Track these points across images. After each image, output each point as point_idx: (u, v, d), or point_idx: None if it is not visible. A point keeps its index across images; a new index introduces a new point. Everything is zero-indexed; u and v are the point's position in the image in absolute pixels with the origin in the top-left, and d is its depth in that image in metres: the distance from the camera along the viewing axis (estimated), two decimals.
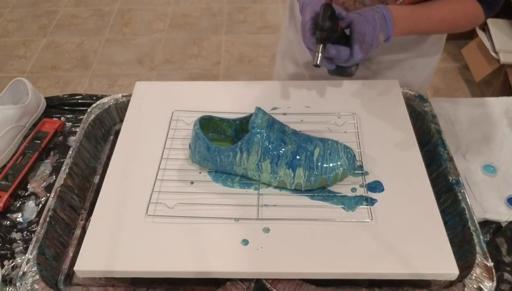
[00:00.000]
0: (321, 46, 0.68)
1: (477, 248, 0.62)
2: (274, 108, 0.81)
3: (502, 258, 0.68)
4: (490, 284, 0.59)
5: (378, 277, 0.60)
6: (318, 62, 0.68)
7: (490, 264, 0.61)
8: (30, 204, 0.77)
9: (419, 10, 0.75)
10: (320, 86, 0.84)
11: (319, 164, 0.66)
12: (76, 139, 0.79)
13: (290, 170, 0.65)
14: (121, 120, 0.87)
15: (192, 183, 0.70)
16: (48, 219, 0.67)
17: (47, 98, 0.95)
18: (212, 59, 2.32)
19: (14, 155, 0.84)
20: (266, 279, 0.61)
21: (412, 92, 0.86)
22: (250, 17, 2.59)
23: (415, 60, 0.92)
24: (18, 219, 0.75)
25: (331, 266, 0.59)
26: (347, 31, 0.72)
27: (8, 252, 0.70)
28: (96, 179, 0.80)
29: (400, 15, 0.73)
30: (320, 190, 0.68)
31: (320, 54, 0.68)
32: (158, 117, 0.80)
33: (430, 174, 0.73)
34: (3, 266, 0.68)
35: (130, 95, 0.86)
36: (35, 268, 0.62)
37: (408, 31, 0.76)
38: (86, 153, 0.80)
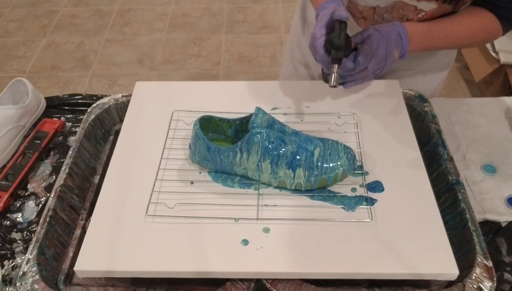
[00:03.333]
0: (336, 67, 0.67)
1: (477, 248, 0.62)
2: (274, 108, 0.81)
3: (502, 258, 0.68)
4: (490, 284, 0.59)
5: (378, 277, 0.60)
6: (335, 84, 0.67)
7: (490, 264, 0.61)
8: (30, 204, 0.77)
9: (436, 27, 0.75)
10: (320, 86, 0.84)
11: (319, 164, 0.66)
12: (76, 139, 0.79)
13: (290, 170, 0.65)
14: (121, 120, 0.87)
15: (192, 183, 0.70)
16: (48, 219, 0.67)
17: (47, 98, 0.95)
18: (212, 59, 2.32)
19: (14, 155, 0.84)
20: (266, 279, 0.61)
21: (412, 92, 0.86)
22: (250, 17, 2.59)
23: (427, 69, 0.92)
24: (18, 219, 0.75)
25: (331, 266, 0.59)
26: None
27: (8, 252, 0.70)
28: (96, 179, 0.80)
29: (417, 32, 0.74)
30: (320, 190, 0.68)
31: (337, 75, 0.67)
32: (158, 117, 0.80)
33: (430, 174, 0.73)
34: (3, 266, 0.68)
35: (130, 95, 0.86)
36: (35, 268, 0.62)
37: (424, 48, 0.77)
38: (86, 153, 0.80)
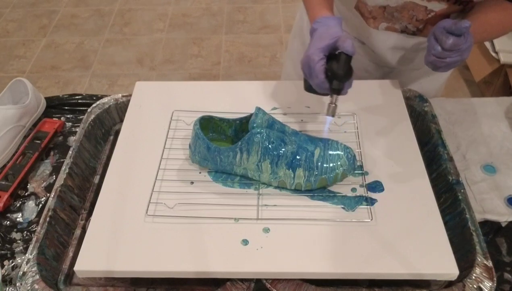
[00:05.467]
0: (336, 97, 0.66)
1: (477, 248, 0.62)
2: (274, 108, 0.81)
3: (502, 258, 0.68)
4: (490, 284, 0.59)
5: (378, 277, 0.60)
6: (333, 114, 0.66)
7: (490, 264, 0.61)
8: (30, 204, 0.77)
9: (477, 25, 0.73)
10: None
11: (319, 164, 0.65)
12: (76, 139, 0.79)
13: (290, 170, 0.65)
14: (121, 120, 0.87)
15: (192, 183, 0.70)
16: (48, 219, 0.67)
17: (47, 98, 0.95)
18: (212, 59, 2.32)
19: (14, 155, 0.84)
20: (266, 279, 0.61)
21: (412, 92, 0.86)
22: (250, 17, 2.59)
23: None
24: (18, 219, 0.75)
25: (331, 266, 0.59)
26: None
27: (8, 252, 0.70)
28: (96, 179, 0.80)
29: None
30: (320, 190, 0.68)
31: (336, 106, 0.66)
32: (158, 117, 0.80)
33: (430, 174, 0.73)
34: (3, 266, 0.68)
35: (130, 95, 0.86)
36: (35, 268, 0.62)
37: None
38: (86, 153, 0.80)
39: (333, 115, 0.67)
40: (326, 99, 0.77)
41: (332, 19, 0.69)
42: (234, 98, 0.83)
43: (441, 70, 0.71)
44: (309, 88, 0.70)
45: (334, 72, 0.64)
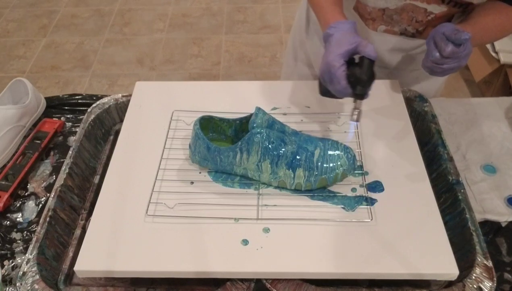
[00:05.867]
0: (359, 102, 0.66)
1: (477, 248, 0.62)
2: (274, 108, 0.81)
3: (502, 258, 0.68)
4: (490, 284, 0.59)
5: (378, 277, 0.60)
6: (359, 119, 0.66)
7: (490, 264, 0.61)
8: (30, 204, 0.77)
9: (478, 29, 0.73)
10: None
11: (319, 164, 0.65)
12: (76, 139, 0.79)
13: (290, 170, 0.65)
14: (121, 120, 0.87)
15: (192, 183, 0.70)
16: (48, 219, 0.67)
17: (47, 98, 0.95)
18: (212, 59, 2.32)
19: (14, 155, 0.84)
20: (266, 279, 0.61)
21: (412, 92, 0.86)
22: (250, 17, 2.59)
23: None
24: (18, 219, 0.75)
25: (331, 266, 0.59)
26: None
27: (8, 252, 0.70)
28: (96, 179, 0.80)
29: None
30: (320, 190, 0.68)
31: (360, 111, 0.66)
32: (158, 117, 0.80)
33: (430, 174, 0.73)
34: (3, 266, 0.68)
35: (130, 95, 0.86)
36: (35, 268, 0.62)
37: None
38: (86, 153, 0.80)
39: (358, 121, 0.66)
40: (329, 101, 0.77)
41: (346, 23, 0.68)
42: (234, 98, 0.83)
43: (438, 75, 0.72)
44: (325, 92, 0.69)
45: (358, 78, 0.64)
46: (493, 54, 1.81)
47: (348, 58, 0.65)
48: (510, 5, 0.73)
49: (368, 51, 0.63)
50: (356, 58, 0.66)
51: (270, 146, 0.65)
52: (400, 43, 0.85)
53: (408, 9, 0.78)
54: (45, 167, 0.83)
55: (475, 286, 0.59)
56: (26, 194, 0.79)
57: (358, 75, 0.64)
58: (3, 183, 0.77)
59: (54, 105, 0.95)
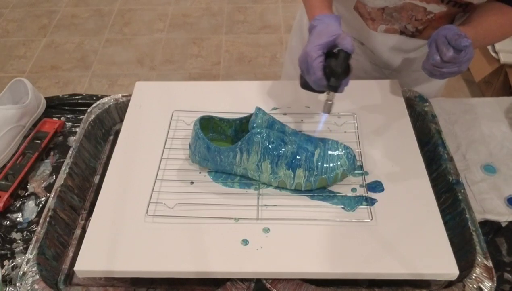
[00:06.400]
0: (333, 94, 0.66)
1: (477, 248, 0.62)
2: (274, 108, 0.81)
3: (502, 258, 0.68)
4: (490, 284, 0.59)
5: (378, 277, 0.60)
6: (329, 111, 0.66)
7: (490, 264, 0.61)
8: (30, 204, 0.77)
9: (480, 31, 0.73)
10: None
11: (319, 164, 0.65)
12: (76, 139, 0.79)
13: (290, 170, 0.65)
14: (121, 120, 0.87)
15: (192, 183, 0.70)
16: (48, 219, 0.67)
17: (47, 98, 0.95)
18: (212, 59, 2.32)
19: (14, 155, 0.84)
20: (266, 279, 0.61)
21: (412, 92, 0.86)
22: (250, 17, 2.59)
23: None
24: (18, 219, 0.75)
25: (331, 266, 0.59)
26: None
27: (8, 252, 0.70)
28: (96, 179, 0.80)
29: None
30: (320, 190, 0.68)
31: (333, 103, 0.66)
32: (158, 117, 0.80)
33: (430, 174, 0.73)
34: (3, 266, 0.68)
35: (130, 95, 0.86)
36: (35, 268, 0.62)
37: None
38: (86, 153, 0.80)
39: (329, 113, 0.67)
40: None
41: (331, 17, 0.69)
42: (234, 98, 0.83)
43: (437, 78, 0.72)
44: (304, 84, 0.70)
45: (332, 70, 0.64)
46: (493, 54, 1.81)
47: (327, 50, 0.65)
48: (511, 6, 0.73)
49: (346, 43, 0.63)
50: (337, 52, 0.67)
51: (270, 146, 0.65)
52: (400, 43, 0.85)
53: (408, 8, 0.78)
54: (45, 167, 0.83)
55: (475, 286, 0.59)
56: (26, 194, 0.79)
57: (333, 67, 0.64)
58: (3, 183, 0.77)
59: (54, 105, 0.95)
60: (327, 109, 0.67)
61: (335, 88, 0.65)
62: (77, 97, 0.95)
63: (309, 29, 0.70)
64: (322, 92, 0.68)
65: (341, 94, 0.83)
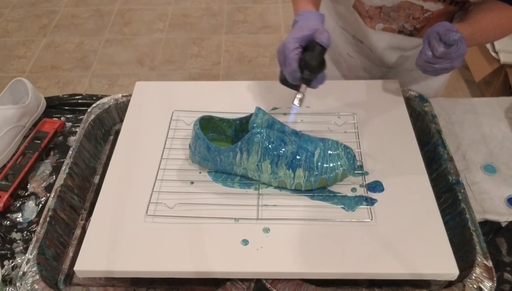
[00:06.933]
0: (305, 87, 0.67)
1: (477, 248, 0.62)
2: (274, 108, 0.81)
3: (502, 258, 0.68)
4: (490, 284, 0.59)
5: (378, 277, 0.60)
6: (299, 105, 0.67)
7: (490, 264, 0.61)
8: (30, 204, 0.77)
9: (477, 29, 0.73)
10: (320, 86, 0.84)
11: (319, 164, 0.65)
12: (76, 139, 0.79)
13: (290, 170, 0.65)
14: (121, 120, 0.87)
15: (192, 183, 0.70)
16: (48, 219, 0.67)
17: (47, 98, 0.95)
18: (212, 59, 2.32)
19: (14, 155, 0.84)
20: (266, 279, 0.61)
21: (412, 92, 0.86)
22: (250, 17, 2.59)
23: None
24: (18, 219, 0.75)
25: (331, 266, 0.59)
26: None
27: (8, 252, 0.70)
28: (96, 179, 0.80)
29: (465, 37, 0.70)
30: (320, 190, 0.68)
31: (304, 96, 0.66)
32: (158, 117, 0.80)
33: (430, 174, 0.73)
34: (3, 266, 0.68)
35: (130, 95, 0.86)
36: (35, 268, 0.62)
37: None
38: (86, 153, 0.80)
39: (299, 105, 0.67)
40: (329, 101, 0.77)
41: (313, 13, 0.70)
42: (234, 98, 0.83)
43: (430, 74, 0.72)
44: (283, 80, 0.70)
45: (307, 62, 0.64)
46: (493, 54, 1.81)
47: (305, 43, 0.66)
48: (509, 4, 0.73)
49: (322, 38, 0.64)
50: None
51: (270, 146, 0.65)
52: (399, 42, 0.85)
53: (405, 7, 0.78)
54: (45, 167, 0.83)
55: (475, 286, 0.59)
56: (26, 194, 0.79)
57: (308, 60, 0.64)
58: (3, 183, 0.77)
59: (54, 105, 0.94)
60: (298, 102, 0.67)
61: (308, 81, 0.66)
62: (77, 97, 0.95)
63: (292, 24, 0.71)
64: (298, 89, 0.69)
65: (341, 94, 0.83)
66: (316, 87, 0.68)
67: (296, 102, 0.67)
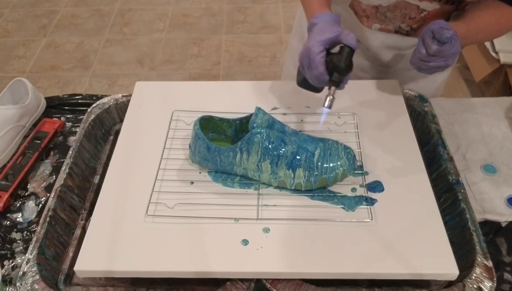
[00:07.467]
0: (334, 89, 0.66)
1: (477, 248, 0.62)
2: (274, 108, 0.81)
3: (502, 258, 0.68)
4: (490, 284, 0.59)
5: (378, 277, 0.60)
6: (330, 106, 0.66)
7: (490, 264, 0.61)
8: (30, 204, 0.77)
9: (472, 27, 0.73)
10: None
11: (319, 164, 0.65)
12: (76, 139, 0.79)
13: (290, 170, 0.65)
14: (121, 120, 0.87)
15: (192, 183, 0.70)
16: (48, 219, 0.67)
17: (47, 98, 0.95)
18: (212, 59, 2.32)
19: (14, 155, 0.84)
20: (266, 279, 0.61)
21: (412, 92, 0.86)
22: (250, 17, 2.59)
23: None
24: (18, 219, 0.75)
25: (331, 266, 0.59)
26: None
27: (8, 252, 0.70)
28: (96, 179, 0.80)
29: (460, 36, 0.71)
30: (320, 190, 0.68)
31: (334, 98, 0.66)
32: (158, 117, 0.80)
33: (430, 174, 0.73)
34: (3, 266, 0.68)
35: (130, 95, 0.86)
36: (35, 268, 0.62)
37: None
38: (86, 153, 0.80)
39: (330, 108, 0.67)
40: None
41: (332, 15, 0.69)
42: (234, 98, 0.83)
43: (424, 72, 0.72)
44: (301, 82, 0.70)
45: (336, 65, 0.64)
46: (493, 54, 1.81)
47: (329, 46, 0.66)
48: (505, 3, 0.73)
49: (350, 40, 0.64)
50: (337, 49, 0.67)
51: (270, 146, 0.65)
52: (396, 41, 0.85)
53: (401, 6, 0.78)
54: (45, 167, 0.83)
55: (475, 286, 0.59)
56: (26, 194, 0.79)
57: (336, 62, 0.64)
58: (3, 183, 0.77)
59: (54, 105, 0.95)
60: (329, 104, 0.67)
61: (338, 83, 0.66)
62: (77, 97, 0.95)
63: (308, 28, 0.70)
64: (319, 91, 0.68)
65: (341, 94, 0.83)
66: (343, 88, 0.68)
67: (328, 105, 0.67)
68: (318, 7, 0.72)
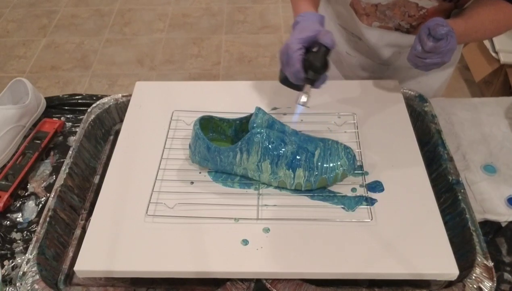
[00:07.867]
0: (309, 87, 0.67)
1: (477, 248, 0.62)
2: (274, 108, 0.81)
3: (502, 258, 0.68)
4: (490, 284, 0.59)
5: (378, 277, 0.60)
6: (306, 103, 0.67)
7: (490, 264, 0.61)
8: (30, 204, 0.77)
9: (470, 25, 0.73)
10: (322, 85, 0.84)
11: (319, 164, 0.65)
12: (76, 139, 0.79)
13: (290, 170, 0.65)
14: (121, 120, 0.87)
15: (192, 183, 0.70)
16: (48, 219, 0.67)
17: (47, 98, 0.95)
18: (212, 59, 2.32)
19: (14, 155, 0.84)
20: (266, 279, 0.61)
21: (412, 92, 0.86)
22: (250, 17, 2.59)
23: None
24: (18, 219, 0.75)
25: (331, 266, 0.59)
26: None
27: (8, 252, 0.70)
28: (96, 179, 0.80)
29: (457, 33, 0.71)
30: (320, 190, 0.68)
31: (309, 96, 0.67)
32: (158, 117, 0.80)
33: (430, 174, 0.73)
34: (3, 266, 0.68)
35: (130, 95, 0.86)
36: (35, 268, 0.62)
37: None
38: (86, 153, 0.80)
39: (305, 105, 0.68)
40: (329, 101, 0.77)
41: (315, 14, 0.71)
42: (234, 98, 0.83)
43: (421, 69, 0.72)
44: (284, 80, 0.71)
45: (311, 63, 0.65)
46: (493, 54, 1.81)
47: (308, 44, 0.67)
48: (505, 0, 0.73)
49: (326, 39, 0.65)
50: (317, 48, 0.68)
51: (270, 146, 0.65)
52: (396, 39, 0.85)
53: (400, 4, 0.78)
54: (45, 167, 0.83)
55: (475, 286, 0.59)
56: (26, 194, 0.79)
57: (312, 61, 0.66)
58: (3, 183, 0.77)
59: (54, 105, 0.95)
60: (303, 101, 0.68)
61: (312, 81, 0.67)
62: (77, 97, 0.95)
63: (292, 25, 0.72)
64: (300, 89, 0.69)
65: (341, 94, 0.83)
66: (319, 87, 0.69)
67: (300, 102, 0.67)
68: (304, 6, 0.73)
